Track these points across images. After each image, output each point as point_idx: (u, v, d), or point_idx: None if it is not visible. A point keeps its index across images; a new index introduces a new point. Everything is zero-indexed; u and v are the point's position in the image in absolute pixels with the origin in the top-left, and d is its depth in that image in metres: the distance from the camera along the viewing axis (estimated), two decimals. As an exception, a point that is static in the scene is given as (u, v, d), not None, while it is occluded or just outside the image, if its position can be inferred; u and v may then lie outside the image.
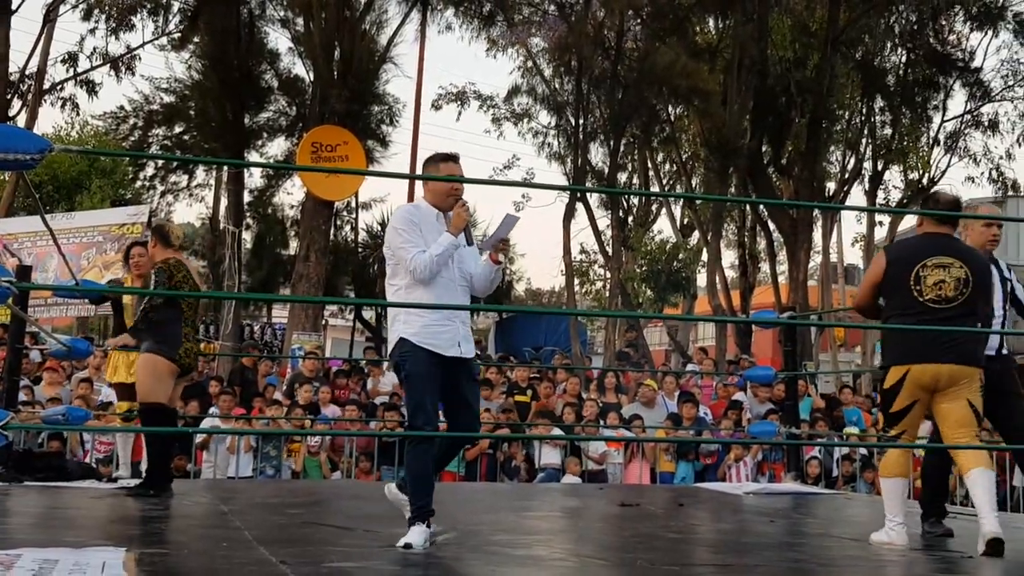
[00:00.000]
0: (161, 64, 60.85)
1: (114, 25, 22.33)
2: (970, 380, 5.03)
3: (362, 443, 9.97)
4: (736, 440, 10.16)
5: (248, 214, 23.85)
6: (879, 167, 25.52)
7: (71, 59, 22.95)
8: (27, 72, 22.07)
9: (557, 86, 24.13)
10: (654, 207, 29.81)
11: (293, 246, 24.79)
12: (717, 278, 23.57)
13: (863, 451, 10.35)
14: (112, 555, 3.82)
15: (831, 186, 26.09)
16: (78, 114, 25.36)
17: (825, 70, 22.83)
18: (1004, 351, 5.48)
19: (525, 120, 26.32)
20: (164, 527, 5.45)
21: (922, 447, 5.35)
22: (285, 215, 26.29)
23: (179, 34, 22.26)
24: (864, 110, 25.33)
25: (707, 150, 23.31)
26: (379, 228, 25.25)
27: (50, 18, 21.22)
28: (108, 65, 23.13)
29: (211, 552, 4.39)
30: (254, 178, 24.90)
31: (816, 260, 26.56)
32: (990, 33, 24.14)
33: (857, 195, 26.89)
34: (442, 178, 4.73)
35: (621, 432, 10.12)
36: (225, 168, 22.04)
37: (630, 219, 28.03)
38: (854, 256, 33.38)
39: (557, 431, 10.01)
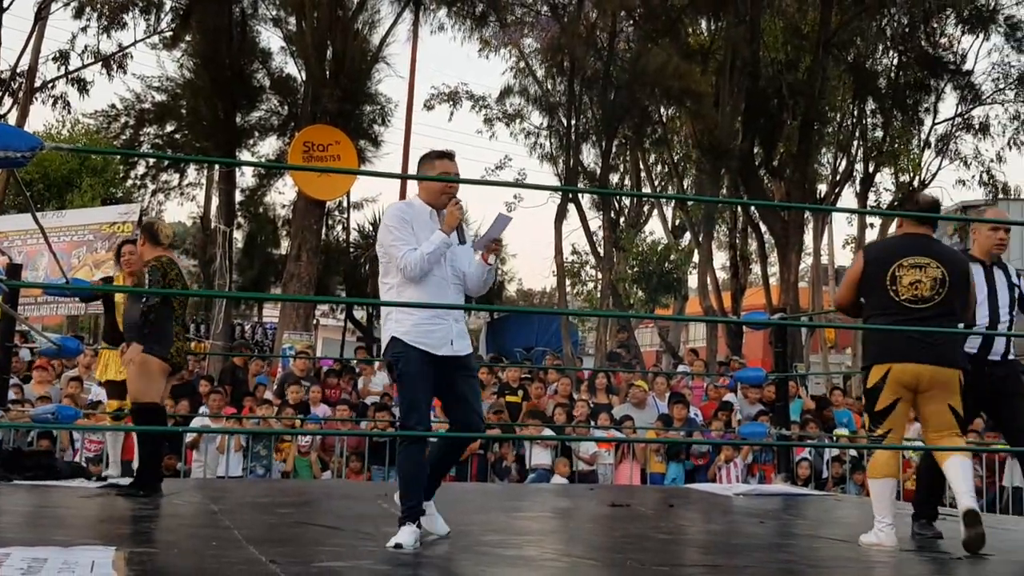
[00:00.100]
0: (153, 63, 60.85)
1: (106, 23, 22.27)
2: (951, 384, 5.05)
3: (352, 443, 9.96)
4: (727, 441, 10.17)
5: (239, 213, 23.83)
6: (870, 169, 25.60)
7: (62, 57, 22.90)
8: (18, 70, 22.01)
9: (549, 87, 24.17)
10: (646, 208, 29.84)
11: (284, 245, 24.77)
12: (708, 279, 23.61)
13: (853, 452, 10.36)
14: (101, 554, 3.82)
15: (822, 188, 26.17)
16: (69, 112, 25.24)
17: (817, 72, 22.89)
18: (1010, 356, 5.46)
19: (517, 121, 26.39)
20: (154, 526, 5.44)
21: (912, 448, 5.36)
22: (276, 214, 26.27)
23: (171, 33, 22.19)
24: (855, 112, 25.41)
25: (699, 151, 23.34)
26: (371, 228, 25.25)
27: (41, 16, 21.15)
28: (100, 63, 23.08)
29: (201, 551, 4.38)
30: (245, 177, 24.89)
31: (807, 262, 26.66)
32: (981, 36, 24.25)
33: (848, 197, 26.99)
34: (434, 178, 4.72)
35: (612, 433, 10.13)
36: (216, 167, 22.02)
37: (622, 220, 28.06)
38: (845, 258, 33.45)
39: (548, 432, 10.01)
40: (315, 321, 25.24)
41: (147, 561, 4.02)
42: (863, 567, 4.67)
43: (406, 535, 4.43)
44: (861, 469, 9.93)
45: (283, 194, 31.84)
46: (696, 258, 24.35)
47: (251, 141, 23.41)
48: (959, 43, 25.05)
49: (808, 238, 24.96)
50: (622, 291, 23.19)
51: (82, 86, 23.14)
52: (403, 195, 18.50)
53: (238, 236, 24.38)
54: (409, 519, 4.50)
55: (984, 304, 5.39)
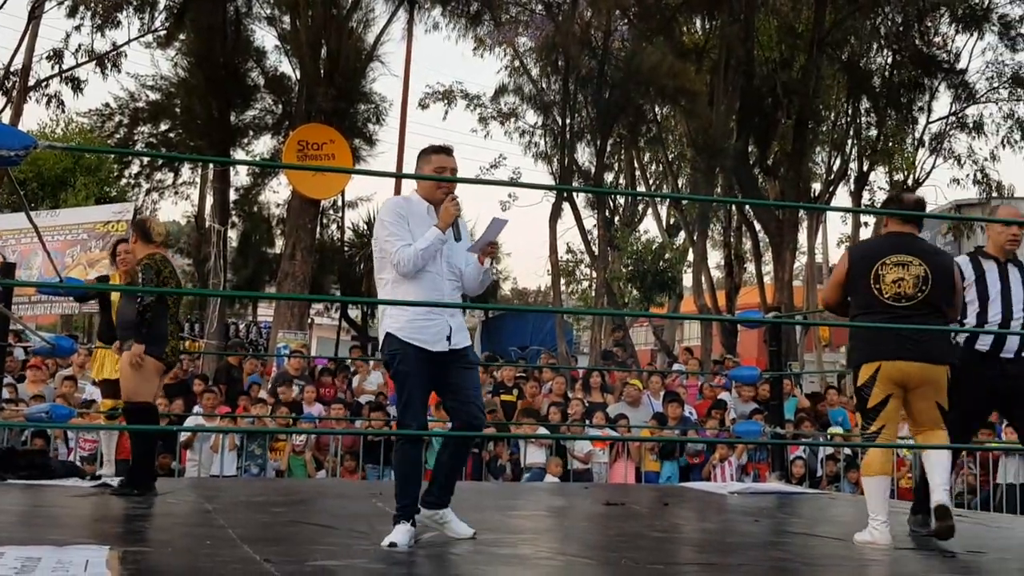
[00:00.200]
0: (147, 61, 60.66)
1: (100, 22, 22.24)
2: (939, 381, 5.09)
3: (347, 442, 9.96)
4: (721, 440, 10.18)
5: (234, 212, 23.79)
6: (864, 168, 25.62)
7: (56, 56, 22.88)
8: (12, 69, 21.99)
9: (544, 86, 24.16)
10: (640, 207, 29.87)
11: (279, 244, 24.76)
12: (703, 278, 23.64)
13: (847, 451, 10.37)
14: (95, 553, 3.81)
15: (816, 187, 26.18)
16: (63, 111, 25.22)
17: (811, 71, 22.91)
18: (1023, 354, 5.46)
19: (512, 119, 26.39)
20: (148, 525, 5.44)
21: (907, 447, 5.37)
22: (271, 213, 26.27)
23: (165, 31, 22.18)
24: (850, 111, 25.42)
25: (693, 150, 23.36)
26: (365, 227, 25.23)
27: (35, 15, 21.12)
28: (94, 62, 23.05)
29: (195, 550, 4.37)
30: (240, 176, 24.87)
31: (801, 260, 26.65)
32: (975, 35, 24.27)
33: (842, 196, 27.03)
34: (429, 177, 4.71)
35: (606, 431, 10.13)
36: (211, 166, 21.98)
37: (616, 219, 28.09)
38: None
39: (543, 430, 10.01)
40: (310, 320, 25.21)
41: (141, 560, 4.01)
42: (857, 565, 4.67)
43: (400, 534, 4.43)
44: (855, 467, 9.94)
45: (277, 193, 31.93)
46: (691, 257, 24.37)
47: (245, 140, 23.41)
48: (953, 42, 25.10)
49: (802, 237, 24.96)
50: (617, 290, 23.19)
51: (76, 85, 23.13)
52: (397, 195, 18.47)
53: (232, 235, 24.37)
54: (403, 518, 4.49)
55: (997, 300, 5.39)
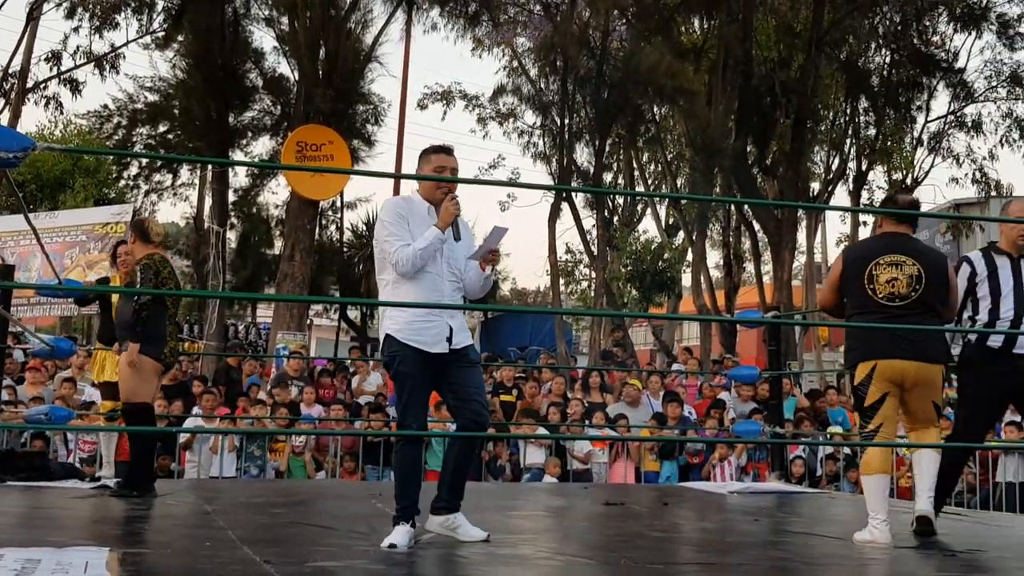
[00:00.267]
0: (145, 63, 60.65)
1: (98, 23, 22.21)
2: (935, 380, 5.13)
3: (347, 443, 9.95)
4: (721, 439, 10.18)
5: (233, 213, 23.80)
6: (863, 167, 25.62)
7: (55, 58, 22.85)
8: (10, 71, 21.98)
9: (542, 86, 24.16)
10: (639, 207, 29.87)
11: (278, 245, 24.76)
12: (702, 278, 23.64)
13: (847, 450, 10.38)
14: (95, 555, 3.81)
15: (815, 186, 26.19)
16: (62, 113, 25.20)
17: (809, 70, 22.92)
18: None
19: (511, 120, 26.39)
20: (147, 527, 5.43)
21: (906, 446, 5.37)
22: (270, 214, 26.28)
23: (163, 33, 22.18)
24: (848, 110, 25.44)
25: (692, 150, 23.37)
26: (364, 228, 25.24)
27: (33, 16, 21.10)
28: (92, 64, 23.03)
29: (194, 552, 4.37)
30: (239, 177, 24.89)
31: (800, 260, 26.66)
32: (973, 34, 24.28)
33: (841, 195, 27.03)
34: (427, 177, 4.70)
35: (606, 431, 10.13)
36: (209, 167, 21.98)
37: (615, 219, 28.10)
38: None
39: (542, 431, 10.01)
40: (309, 321, 25.25)
41: (140, 562, 4.01)
42: (857, 564, 4.67)
43: (400, 535, 4.43)
44: (855, 467, 9.95)
45: (276, 194, 31.90)
46: (690, 257, 24.38)
47: (244, 141, 23.42)
48: (951, 41, 25.12)
49: (801, 236, 24.97)
50: (616, 290, 23.19)
51: (74, 87, 23.09)
52: (396, 195, 18.46)
53: (231, 236, 24.38)
54: (403, 519, 4.49)
55: (1010, 296, 5.38)
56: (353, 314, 26.95)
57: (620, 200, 29.68)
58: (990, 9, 23.84)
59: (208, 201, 24.12)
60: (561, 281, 27.01)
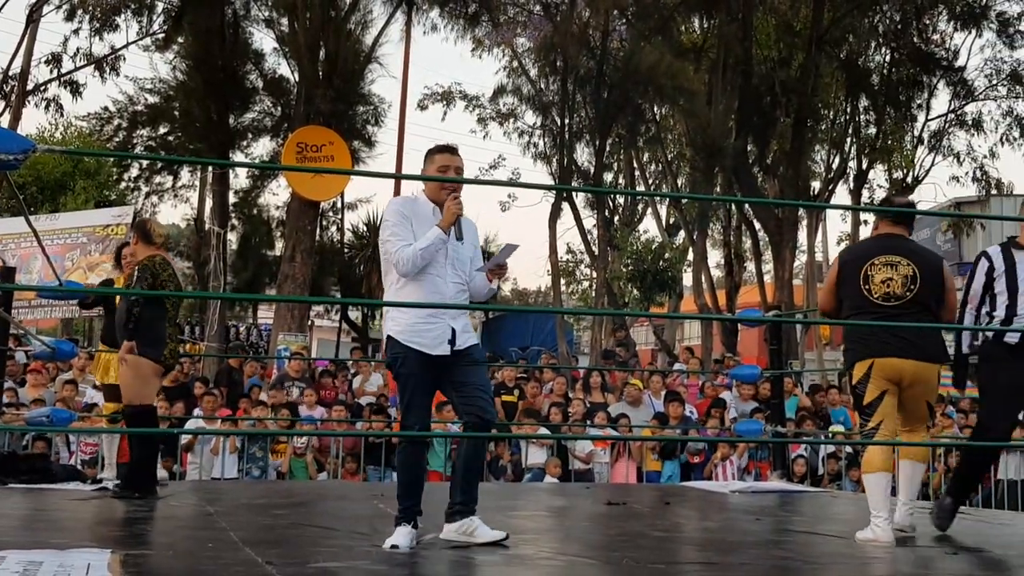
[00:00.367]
0: (145, 65, 60.62)
1: (98, 25, 22.20)
2: (932, 380, 5.18)
3: (348, 444, 9.95)
4: (723, 439, 10.17)
5: (233, 215, 23.81)
6: (864, 166, 25.61)
7: (55, 60, 22.84)
8: (10, 73, 21.98)
9: (543, 86, 24.16)
10: (640, 207, 29.87)
11: (279, 247, 24.78)
12: (703, 277, 23.63)
13: (849, 449, 10.37)
14: (97, 557, 3.81)
15: (816, 185, 26.16)
16: (62, 115, 25.19)
17: (809, 69, 22.91)
18: None
19: (511, 120, 26.39)
20: (149, 528, 5.44)
21: (907, 444, 5.37)
22: (270, 216, 26.29)
23: (163, 34, 22.16)
24: (848, 109, 25.42)
25: (692, 150, 23.37)
26: (365, 228, 25.26)
27: (33, 18, 21.09)
28: (92, 66, 23.02)
29: (197, 553, 4.37)
30: (239, 179, 24.90)
31: (801, 259, 26.65)
32: (973, 32, 24.26)
33: (842, 194, 27.00)
34: (425, 177, 4.69)
35: (607, 431, 10.12)
36: (210, 169, 21.98)
37: (616, 219, 28.10)
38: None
39: (543, 431, 10.01)
40: (310, 322, 25.24)
41: (143, 563, 4.01)
42: (859, 563, 4.67)
43: (402, 536, 4.43)
44: (857, 465, 9.94)
45: (277, 195, 31.83)
46: (690, 256, 24.37)
47: (244, 142, 23.42)
48: (951, 39, 25.10)
49: (802, 235, 24.96)
50: (617, 290, 23.20)
51: (75, 89, 23.07)
52: (397, 196, 18.47)
53: (232, 238, 24.39)
54: (405, 520, 4.49)
55: None
56: (354, 315, 26.96)
57: (621, 200, 29.69)
58: (990, 7, 23.81)
59: (209, 202, 24.14)
60: (562, 281, 27.03)
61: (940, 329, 5.27)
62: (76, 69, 23.06)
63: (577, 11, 22.51)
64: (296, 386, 11.44)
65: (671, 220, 28.70)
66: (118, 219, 17.42)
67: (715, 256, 31.67)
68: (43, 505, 6.10)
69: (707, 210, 23.76)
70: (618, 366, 16.13)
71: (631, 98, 22.30)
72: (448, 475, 9.38)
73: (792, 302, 22.49)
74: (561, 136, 22.46)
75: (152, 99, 23.19)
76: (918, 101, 25.13)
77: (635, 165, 28.77)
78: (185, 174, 25.67)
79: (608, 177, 28.22)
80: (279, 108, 22.33)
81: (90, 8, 21.93)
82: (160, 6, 22.29)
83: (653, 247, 23.16)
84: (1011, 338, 5.29)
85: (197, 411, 9.99)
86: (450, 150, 4.73)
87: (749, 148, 24.32)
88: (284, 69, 22.19)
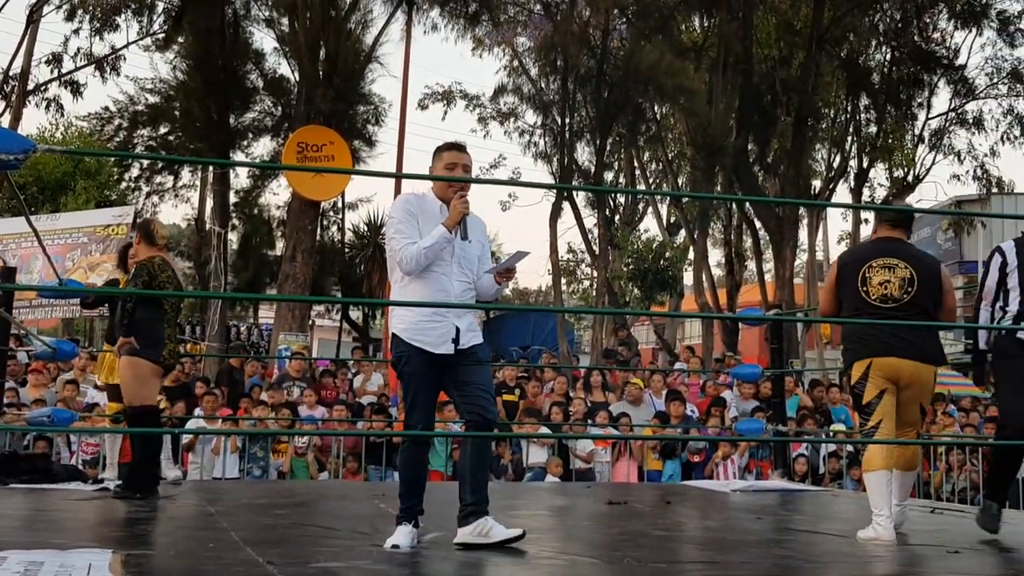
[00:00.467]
0: (146, 64, 60.72)
1: (98, 25, 22.22)
2: (928, 382, 5.22)
3: (349, 443, 9.95)
4: (724, 438, 10.17)
5: (234, 215, 23.80)
6: (864, 165, 25.61)
7: (55, 60, 22.86)
8: (11, 73, 21.99)
9: (543, 85, 24.16)
10: (641, 206, 29.87)
11: (279, 246, 24.77)
12: (704, 276, 23.62)
13: (850, 448, 10.37)
14: (98, 557, 3.81)
15: (817, 184, 26.17)
16: (63, 115, 25.21)
17: (810, 68, 22.90)
18: None
19: (511, 119, 26.40)
20: (150, 528, 5.43)
21: (909, 443, 5.37)
22: (271, 215, 26.28)
23: (163, 34, 22.18)
24: (849, 108, 25.42)
25: (693, 149, 23.36)
26: (365, 228, 25.26)
27: (34, 19, 21.10)
28: (92, 66, 23.04)
29: (198, 553, 4.37)
30: (240, 179, 24.90)
31: (802, 258, 26.64)
32: (974, 31, 24.26)
33: (843, 193, 27.01)
34: (425, 177, 4.68)
35: (608, 431, 10.12)
36: (210, 168, 21.97)
37: (617, 218, 28.09)
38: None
39: (544, 430, 10.00)
40: (311, 322, 25.25)
41: (144, 563, 4.01)
42: (860, 562, 4.67)
43: (403, 535, 4.43)
44: (858, 464, 9.93)
45: (277, 195, 31.91)
46: (691, 255, 24.37)
47: (245, 142, 23.44)
48: (952, 38, 25.10)
49: (803, 234, 24.96)
50: (618, 289, 23.21)
51: (75, 89, 23.10)
52: (397, 196, 18.48)
53: (233, 237, 24.37)
54: (406, 519, 4.49)
55: None
56: (355, 314, 26.96)
57: (621, 199, 29.70)
58: (990, 6, 23.80)
59: (209, 202, 24.14)
60: (563, 280, 27.01)
61: (938, 330, 5.29)
62: (76, 69, 23.10)
63: (577, 10, 22.51)
64: (297, 386, 11.44)
65: (672, 219, 28.69)
66: (119, 219, 17.44)
67: (716, 255, 31.69)
68: (44, 505, 6.10)
69: (708, 209, 23.76)
70: (619, 365, 16.13)
71: (631, 97, 22.30)
72: (449, 475, 9.40)
73: (793, 301, 22.49)
74: (561, 135, 22.45)
75: (152, 99, 23.24)
76: (919, 100, 25.14)
77: (636, 164, 28.77)
78: (186, 174, 25.71)
79: (609, 176, 28.23)
80: (279, 108, 22.34)
81: (90, 8, 21.94)
82: (160, 6, 22.34)
83: (654, 246, 23.18)
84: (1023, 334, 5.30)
85: (198, 411, 9.99)
86: (458, 147, 4.70)
87: (750, 147, 24.32)
88: (284, 69, 22.26)
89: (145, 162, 25.03)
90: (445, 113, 27.44)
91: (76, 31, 22.44)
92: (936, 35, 25.11)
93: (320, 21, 18.54)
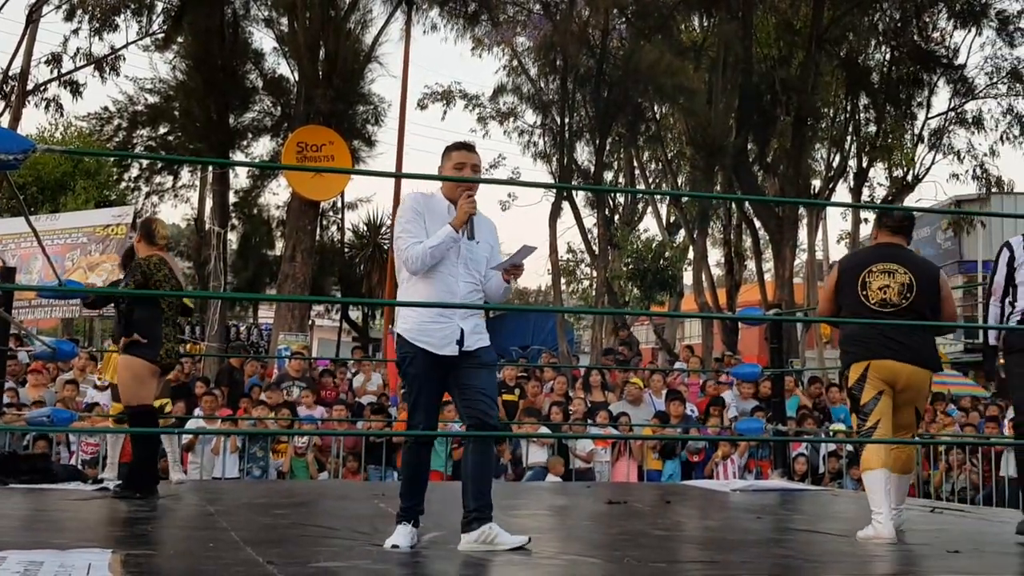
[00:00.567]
0: (145, 64, 60.69)
1: (97, 25, 22.19)
2: (924, 386, 5.27)
3: (349, 443, 9.95)
4: (724, 437, 10.17)
5: (233, 215, 23.80)
6: (864, 164, 25.60)
7: (55, 60, 22.83)
8: (10, 73, 21.98)
9: (542, 85, 24.14)
10: (640, 205, 29.86)
11: (279, 246, 24.77)
12: (703, 276, 23.62)
13: (849, 447, 10.36)
14: (98, 557, 3.81)
15: (816, 183, 26.15)
16: (62, 115, 25.19)
17: (810, 68, 22.90)
18: None
19: (511, 119, 26.38)
20: (150, 528, 5.43)
21: (907, 443, 5.37)
22: (271, 215, 26.29)
23: (163, 34, 22.15)
24: (849, 107, 25.41)
25: (692, 148, 23.35)
26: (365, 228, 25.26)
27: (33, 18, 21.08)
28: (92, 66, 23.01)
29: (198, 553, 4.37)
30: (239, 178, 24.90)
31: (802, 257, 26.64)
32: (973, 30, 24.25)
33: (842, 192, 26.99)
34: (426, 176, 4.68)
35: (608, 430, 10.12)
36: (210, 168, 21.96)
37: (616, 217, 28.07)
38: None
39: (544, 430, 10.00)
40: (310, 322, 25.23)
41: (144, 563, 4.01)
42: (860, 561, 4.67)
43: (403, 535, 4.43)
44: (858, 464, 9.93)
45: (277, 195, 31.90)
46: (691, 255, 24.36)
47: (244, 142, 23.42)
48: (951, 37, 25.07)
49: (802, 233, 24.95)
50: (617, 288, 23.19)
51: (75, 89, 23.06)
52: (397, 195, 18.46)
53: (232, 237, 24.38)
54: (406, 519, 4.49)
55: None
56: (355, 314, 26.96)
57: (621, 199, 29.67)
58: (990, 5, 23.80)
59: (209, 202, 24.12)
60: (562, 280, 27.01)
61: (935, 337, 5.31)
62: (76, 69, 23.06)
63: (577, 10, 22.49)
64: (296, 386, 11.44)
65: (671, 219, 28.68)
66: (118, 219, 17.44)
67: (715, 255, 31.68)
68: (44, 505, 6.10)
69: (707, 209, 23.75)
70: (619, 365, 16.13)
71: (631, 97, 22.29)
72: (449, 475, 9.40)
73: (792, 300, 22.49)
74: (561, 135, 22.45)
75: (152, 99, 23.21)
76: (918, 99, 25.12)
77: (635, 164, 28.75)
78: (185, 174, 25.69)
79: (608, 176, 28.21)
80: (279, 108, 22.33)
81: (90, 8, 21.92)
82: (160, 6, 22.31)
83: (653, 246, 23.15)
84: None
85: (198, 411, 9.98)
86: (467, 147, 4.69)
87: (749, 146, 24.31)
88: (284, 69, 22.23)
89: (145, 162, 25.02)
90: (445, 113, 27.47)
91: (75, 31, 22.41)
92: (936, 35, 25.11)
93: (320, 21, 18.54)
